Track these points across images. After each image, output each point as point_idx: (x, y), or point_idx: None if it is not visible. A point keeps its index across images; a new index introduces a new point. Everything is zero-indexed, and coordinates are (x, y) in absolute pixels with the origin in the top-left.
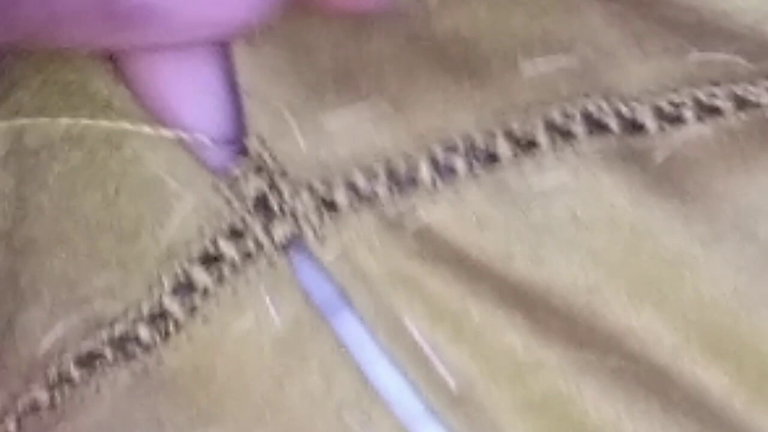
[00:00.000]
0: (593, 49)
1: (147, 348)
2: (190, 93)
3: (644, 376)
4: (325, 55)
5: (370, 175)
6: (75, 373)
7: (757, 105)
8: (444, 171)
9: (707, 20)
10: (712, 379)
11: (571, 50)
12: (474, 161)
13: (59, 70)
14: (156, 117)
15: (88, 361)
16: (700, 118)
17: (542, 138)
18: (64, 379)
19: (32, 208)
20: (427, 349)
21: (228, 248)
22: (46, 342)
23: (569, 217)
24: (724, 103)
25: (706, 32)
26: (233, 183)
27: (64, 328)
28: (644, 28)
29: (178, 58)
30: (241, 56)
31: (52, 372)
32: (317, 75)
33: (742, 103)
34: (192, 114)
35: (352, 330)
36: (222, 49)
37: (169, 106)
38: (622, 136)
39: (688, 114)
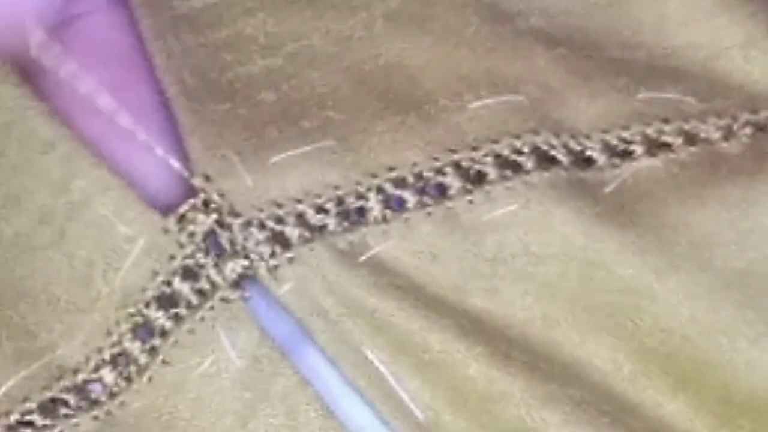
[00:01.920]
0: (540, 89)
1: (111, 393)
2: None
3: (606, 407)
4: (265, 100)
5: (320, 210)
6: (38, 420)
7: (707, 140)
8: (394, 203)
9: (656, 59)
10: (674, 407)
11: (517, 90)
12: (423, 194)
13: None
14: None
15: (52, 407)
16: (650, 153)
17: (491, 170)
18: (25, 425)
19: None
20: (391, 380)
21: (182, 288)
22: (7, 390)
23: (521, 248)
24: (674, 139)
25: (654, 72)
26: (182, 223)
27: (26, 376)
28: (591, 69)
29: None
30: (180, 104)
31: (13, 418)
32: (260, 120)
33: (691, 139)
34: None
35: (314, 364)
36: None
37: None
38: (572, 168)
39: (639, 149)
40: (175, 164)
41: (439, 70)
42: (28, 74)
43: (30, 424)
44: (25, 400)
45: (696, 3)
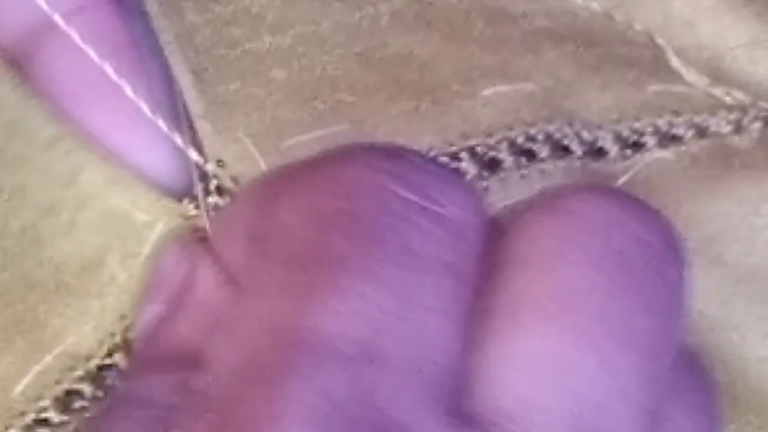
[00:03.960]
0: (552, 80)
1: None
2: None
3: None
4: (276, 77)
5: None
6: (54, 417)
7: (717, 134)
8: None
9: (663, 56)
10: None
11: (529, 79)
12: None
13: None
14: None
15: (67, 401)
16: (661, 144)
17: (506, 157)
18: (41, 423)
19: None
20: None
21: None
22: (22, 389)
23: None
24: (685, 132)
25: (662, 67)
26: (198, 208)
27: (40, 371)
28: (600, 63)
29: (116, 95)
30: (189, 87)
31: (29, 419)
32: (271, 99)
33: (702, 132)
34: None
35: None
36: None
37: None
38: (585, 158)
39: (650, 141)
40: (190, 150)
41: (449, 60)
42: (28, 73)
43: (45, 421)
44: (39, 397)
45: (700, 3)
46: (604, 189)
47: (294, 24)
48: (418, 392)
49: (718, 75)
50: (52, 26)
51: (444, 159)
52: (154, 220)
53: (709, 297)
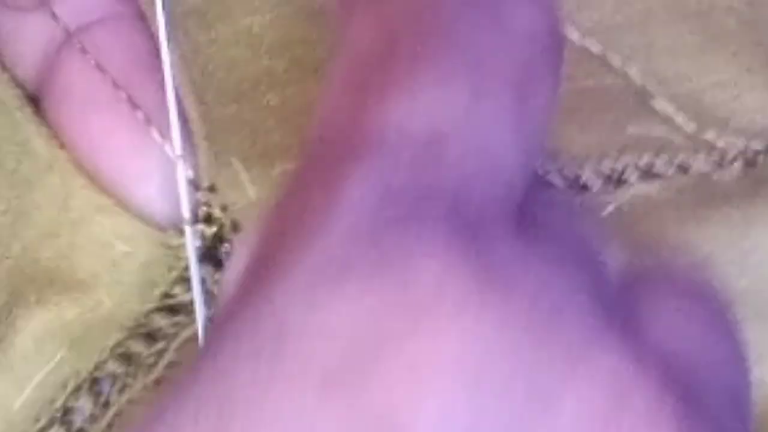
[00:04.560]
0: None
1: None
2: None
3: None
4: (270, 102)
5: None
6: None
7: (699, 171)
8: None
9: (643, 96)
10: None
11: None
12: None
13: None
14: (96, 177)
15: (65, 418)
16: (644, 179)
17: None
18: None
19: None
20: None
21: (183, 294)
22: (20, 403)
23: None
24: (666, 170)
25: (643, 108)
26: (183, 236)
27: (34, 386)
28: (577, 104)
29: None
30: (192, 108)
31: None
32: (264, 125)
33: (684, 170)
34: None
35: None
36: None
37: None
38: (568, 192)
39: (632, 176)
40: (188, 171)
41: None
42: (44, 102)
43: None
44: (38, 417)
45: (683, 37)
46: None
47: (291, 46)
48: (485, 190)
49: (698, 109)
50: (69, 45)
51: None
52: (135, 251)
53: None
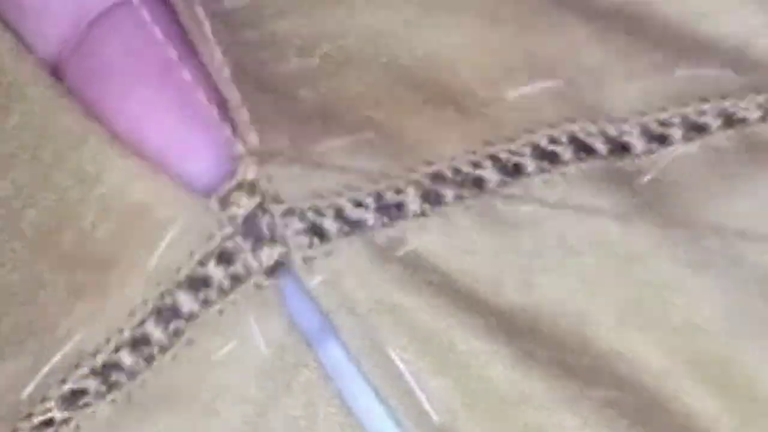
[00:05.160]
0: (578, 69)
1: (131, 373)
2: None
3: (629, 406)
4: (304, 97)
5: (359, 204)
6: (57, 415)
7: (744, 121)
8: (432, 198)
9: (693, 36)
10: (699, 405)
11: (555, 73)
12: (461, 187)
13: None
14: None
15: (72, 399)
16: (686, 138)
17: (529, 162)
18: (46, 423)
19: (8, 257)
20: (410, 380)
21: (217, 271)
22: (30, 391)
23: (558, 241)
24: (713, 121)
25: (692, 47)
26: (224, 204)
27: (48, 372)
28: (629, 44)
29: (156, 86)
30: (230, 83)
31: (36, 420)
32: (301, 113)
33: (729, 120)
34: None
35: (336, 359)
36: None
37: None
38: (609, 158)
39: (676, 133)
40: (234, 141)
41: (475, 56)
42: (58, 72)
43: (50, 421)
44: (45, 399)
45: None
46: None
47: (320, 43)
48: None
49: (744, 57)
50: (104, 18)
51: (466, 168)
52: (175, 215)
53: (730, 297)
